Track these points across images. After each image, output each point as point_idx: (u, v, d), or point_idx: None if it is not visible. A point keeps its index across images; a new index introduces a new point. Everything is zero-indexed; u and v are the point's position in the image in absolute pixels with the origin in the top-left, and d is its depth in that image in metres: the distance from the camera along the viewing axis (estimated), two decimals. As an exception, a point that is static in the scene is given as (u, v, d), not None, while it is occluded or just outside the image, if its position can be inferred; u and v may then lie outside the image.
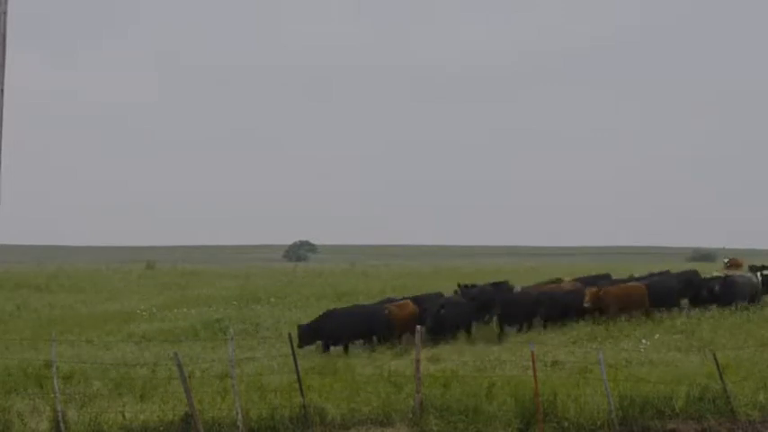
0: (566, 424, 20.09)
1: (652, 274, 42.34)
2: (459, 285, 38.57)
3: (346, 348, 29.81)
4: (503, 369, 25.42)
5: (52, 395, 19.98)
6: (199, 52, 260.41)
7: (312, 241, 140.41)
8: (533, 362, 20.46)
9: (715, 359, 21.61)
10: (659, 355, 27.15)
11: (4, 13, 16.66)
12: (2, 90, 16.65)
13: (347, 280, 50.79)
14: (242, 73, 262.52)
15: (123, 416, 19.70)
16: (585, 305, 33.03)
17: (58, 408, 19.40)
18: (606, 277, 42.83)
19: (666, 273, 42.99)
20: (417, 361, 20.77)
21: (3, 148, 16.95)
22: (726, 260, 56.52)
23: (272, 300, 41.06)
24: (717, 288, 36.23)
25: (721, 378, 21.17)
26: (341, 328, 30.07)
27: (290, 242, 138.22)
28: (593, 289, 33.89)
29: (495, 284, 39.67)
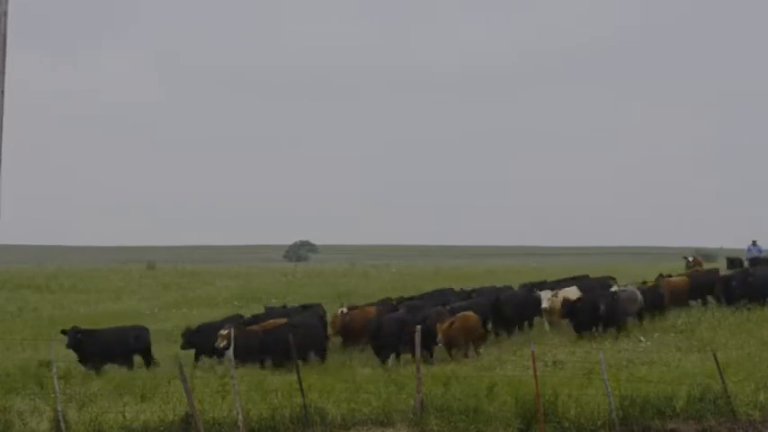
0: (566, 424, 20.09)
1: (562, 281, 37.64)
2: (391, 300, 33.82)
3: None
4: (503, 369, 25.44)
5: (52, 395, 19.98)
6: (199, 52, 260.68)
7: (312, 241, 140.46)
8: (534, 362, 20.47)
9: (715, 359, 21.62)
10: (659, 355, 27.17)
11: (5, 13, 16.64)
12: (2, 91, 16.64)
13: (347, 280, 50.81)
14: (242, 73, 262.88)
15: (124, 416, 19.69)
16: (438, 343, 27.02)
17: (59, 408, 19.39)
18: (584, 278, 38.84)
19: (585, 277, 38.90)
20: (418, 361, 20.78)
21: (3, 148, 16.95)
22: (690, 258, 50.45)
23: (273, 300, 41.07)
24: (602, 308, 30.84)
25: (722, 378, 21.17)
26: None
27: (290, 242, 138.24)
28: (446, 324, 27.36)
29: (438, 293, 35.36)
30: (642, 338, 29.87)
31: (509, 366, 25.87)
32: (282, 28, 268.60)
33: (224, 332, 26.51)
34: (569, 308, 31.17)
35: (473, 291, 35.60)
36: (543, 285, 35.47)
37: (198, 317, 35.83)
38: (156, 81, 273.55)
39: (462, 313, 28.58)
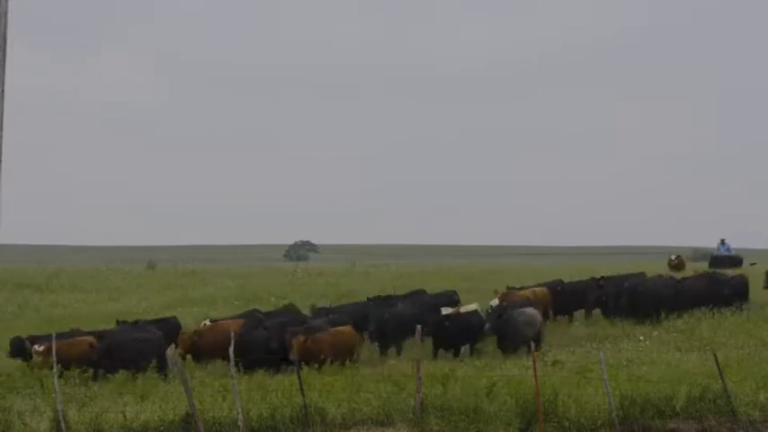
0: (566, 424, 20.10)
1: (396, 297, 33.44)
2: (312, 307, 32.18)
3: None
4: (503, 369, 25.43)
5: (52, 395, 19.97)
6: (199, 51, 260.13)
7: (313, 241, 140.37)
8: (534, 361, 20.47)
9: (715, 359, 21.62)
10: (660, 355, 27.17)
11: (5, 13, 16.66)
12: (2, 90, 16.65)
13: (348, 280, 50.75)
14: (242, 73, 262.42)
15: (124, 416, 19.69)
16: (291, 358, 24.97)
17: (59, 407, 19.39)
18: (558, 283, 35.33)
19: (422, 293, 34.59)
20: (418, 360, 20.78)
21: (3, 147, 16.97)
22: (673, 257, 47.63)
23: (273, 299, 41.04)
24: (487, 327, 28.03)
25: (722, 377, 21.17)
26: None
27: (290, 242, 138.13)
28: (301, 338, 25.76)
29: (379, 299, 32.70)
30: (641, 337, 29.86)
31: (509, 366, 25.86)
32: (282, 28, 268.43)
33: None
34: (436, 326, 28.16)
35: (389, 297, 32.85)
36: (391, 299, 32.20)
37: (198, 316, 35.78)
38: (156, 81, 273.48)
39: (337, 328, 26.70)
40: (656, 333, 30.71)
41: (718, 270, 40.21)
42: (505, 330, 27.56)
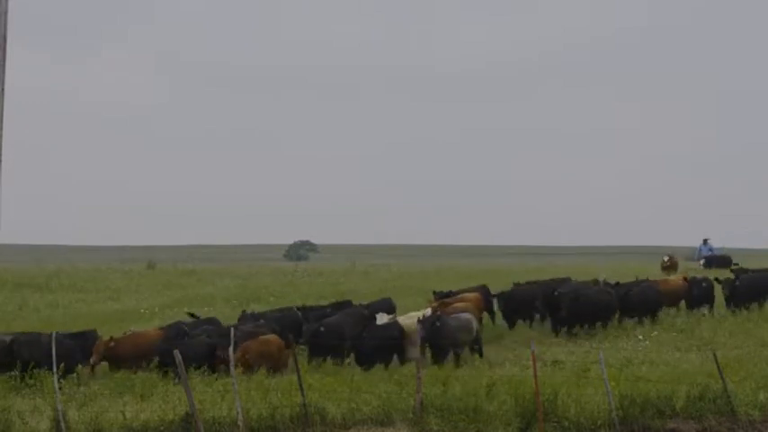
0: (566, 423, 20.12)
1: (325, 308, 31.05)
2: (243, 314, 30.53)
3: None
4: (503, 368, 25.43)
5: (52, 395, 19.98)
6: (199, 51, 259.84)
7: (313, 241, 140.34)
8: (533, 361, 20.48)
9: (715, 358, 21.64)
10: (659, 355, 27.17)
11: (5, 12, 16.68)
12: (2, 89, 16.67)
13: (348, 280, 50.71)
14: (242, 72, 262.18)
15: (124, 415, 19.70)
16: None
17: (59, 407, 19.39)
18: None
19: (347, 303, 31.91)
20: (418, 361, 20.79)
21: (3, 147, 16.99)
22: (665, 258, 45.90)
23: (272, 299, 41.02)
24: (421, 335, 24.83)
25: (722, 377, 21.19)
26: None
27: (290, 242, 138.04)
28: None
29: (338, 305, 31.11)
30: (641, 337, 29.86)
31: (508, 366, 25.86)
32: (282, 28, 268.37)
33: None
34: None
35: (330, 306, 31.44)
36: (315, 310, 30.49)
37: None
38: (156, 81, 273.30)
39: (263, 337, 25.96)
40: (655, 333, 30.70)
41: (698, 272, 39.60)
42: (439, 337, 25.88)
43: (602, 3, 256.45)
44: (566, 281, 34.87)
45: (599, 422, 20.27)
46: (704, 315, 32.46)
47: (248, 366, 23.93)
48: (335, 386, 21.54)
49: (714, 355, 22.00)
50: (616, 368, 23.70)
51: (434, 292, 32.22)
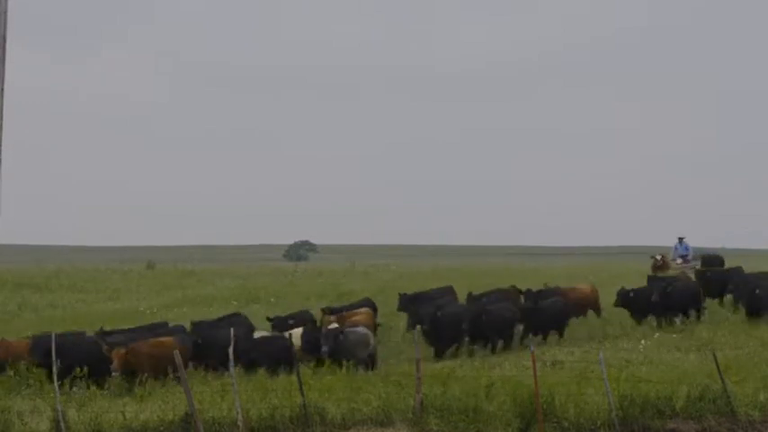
0: (566, 424, 20.12)
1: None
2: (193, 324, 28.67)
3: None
4: (502, 369, 25.44)
5: (52, 395, 19.98)
6: (199, 51, 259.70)
7: (312, 241, 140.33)
8: (533, 361, 20.47)
9: (715, 359, 21.63)
10: (659, 355, 27.16)
11: (5, 12, 16.68)
12: (2, 89, 16.67)
13: (348, 280, 50.70)
14: (242, 72, 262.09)
15: (123, 416, 19.71)
16: (114, 373, 24.41)
17: (58, 408, 19.39)
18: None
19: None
20: (417, 361, 20.79)
21: (3, 147, 16.98)
22: (657, 257, 43.23)
23: (272, 300, 41.05)
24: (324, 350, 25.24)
25: (721, 378, 21.19)
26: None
27: (290, 242, 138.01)
28: (122, 350, 24.75)
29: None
30: (643, 341, 29.81)
31: (508, 366, 25.87)
32: (282, 28, 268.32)
33: None
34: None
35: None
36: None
37: (197, 317, 35.80)
38: (156, 81, 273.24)
39: (158, 339, 25.51)
40: (656, 335, 30.70)
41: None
42: (341, 351, 25.33)
43: (602, 3, 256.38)
44: (447, 291, 33.37)
45: (599, 422, 20.27)
46: (676, 323, 31.56)
47: (130, 367, 23.76)
48: (335, 386, 21.55)
49: (714, 355, 21.99)
50: (616, 368, 23.71)
51: (322, 309, 30.84)
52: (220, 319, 29.43)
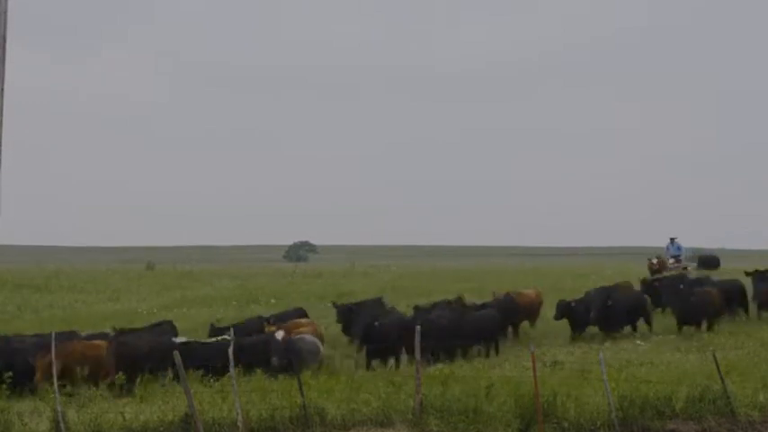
0: (566, 424, 20.11)
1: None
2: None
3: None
4: (502, 369, 25.46)
5: (52, 395, 19.98)
6: (199, 52, 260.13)
7: (312, 241, 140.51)
8: (533, 362, 20.48)
9: (715, 359, 21.63)
10: (659, 356, 27.18)
11: (5, 12, 16.66)
12: (2, 89, 16.66)
13: (347, 280, 50.74)
14: (242, 72, 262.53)
15: (123, 416, 19.70)
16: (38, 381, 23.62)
17: (58, 408, 19.39)
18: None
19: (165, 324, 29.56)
20: (417, 361, 20.80)
21: (3, 147, 16.97)
22: (654, 260, 42.52)
23: (272, 300, 41.07)
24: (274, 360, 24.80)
25: (721, 378, 21.19)
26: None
27: (290, 242, 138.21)
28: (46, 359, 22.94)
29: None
30: (640, 342, 29.83)
31: (508, 366, 25.89)
32: (282, 28, 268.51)
33: None
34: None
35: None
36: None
37: (197, 317, 35.82)
38: (156, 81, 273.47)
39: (90, 342, 25.17)
40: (656, 335, 30.73)
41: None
42: (294, 360, 24.15)
43: (602, 3, 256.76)
44: (377, 301, 32.51)
45: (599, 423, 20.27)
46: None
47: (63, 368, 22.93)
48: (335, 387, 21.56)
49: (714, 355, 22.00)
50: (616, 369, 23.73)
51: (266, 320, 29.46)
52: (145, 328, 28.76)
